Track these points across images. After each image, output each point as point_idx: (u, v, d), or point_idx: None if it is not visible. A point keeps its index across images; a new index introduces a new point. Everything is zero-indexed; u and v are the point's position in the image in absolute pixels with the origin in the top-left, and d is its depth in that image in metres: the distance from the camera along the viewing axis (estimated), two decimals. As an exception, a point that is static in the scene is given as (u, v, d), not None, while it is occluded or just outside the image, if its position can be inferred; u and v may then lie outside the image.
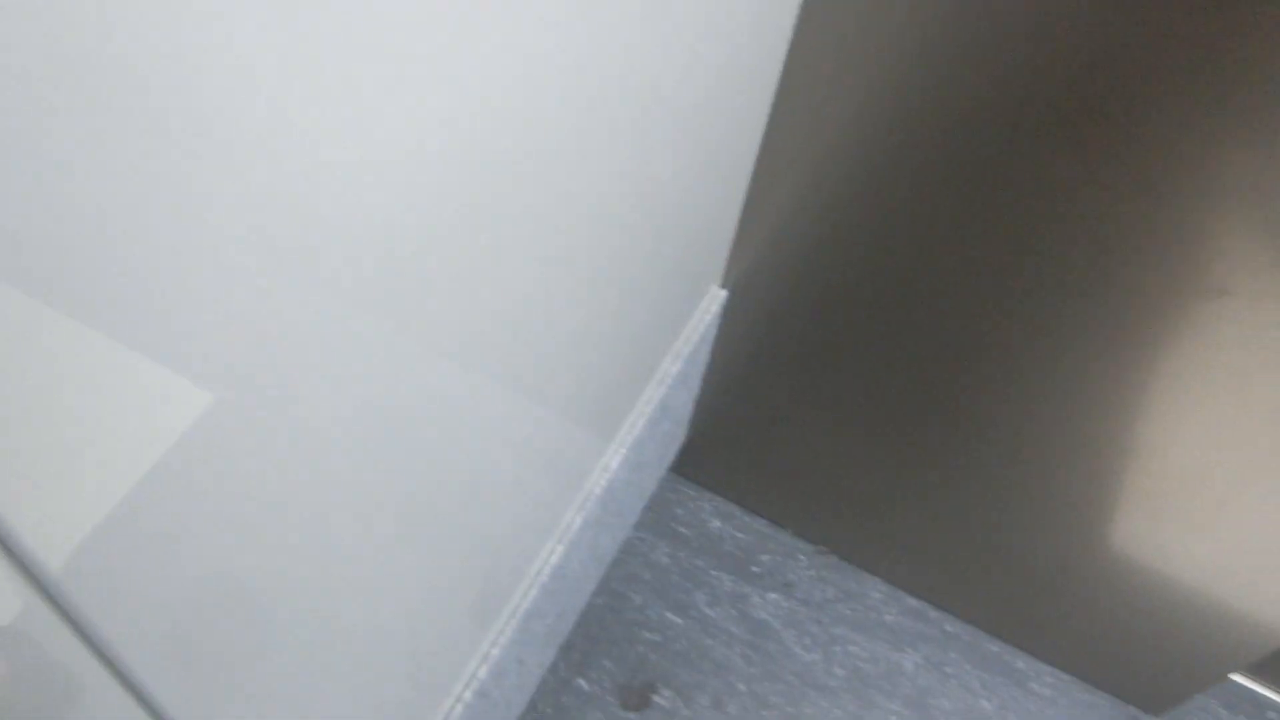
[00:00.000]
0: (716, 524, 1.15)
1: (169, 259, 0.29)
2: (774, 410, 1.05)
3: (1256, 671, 1.11)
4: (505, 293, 0.52)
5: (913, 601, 1.13)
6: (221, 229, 0.30)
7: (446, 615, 0.69)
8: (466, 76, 0.38)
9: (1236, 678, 1.11)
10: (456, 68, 0.37)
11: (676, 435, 1.08)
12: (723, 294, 0.94)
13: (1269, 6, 0.57)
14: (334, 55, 0.31)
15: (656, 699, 1.04)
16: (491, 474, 0.64)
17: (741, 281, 0.94)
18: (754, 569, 1.13)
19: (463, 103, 0.39)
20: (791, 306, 0.93)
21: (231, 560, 0.40)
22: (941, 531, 1.06)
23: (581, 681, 1.04)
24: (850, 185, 0.80)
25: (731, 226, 0.88)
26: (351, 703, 0.60)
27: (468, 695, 0.74)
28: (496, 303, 0.51)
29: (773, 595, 1.11)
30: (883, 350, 0.91)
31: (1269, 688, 1.11)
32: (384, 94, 0.34)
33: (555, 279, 0.58)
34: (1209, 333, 0.74)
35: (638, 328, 0.79)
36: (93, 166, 0.25)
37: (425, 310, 0.45)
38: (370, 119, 0.34)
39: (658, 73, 0.56)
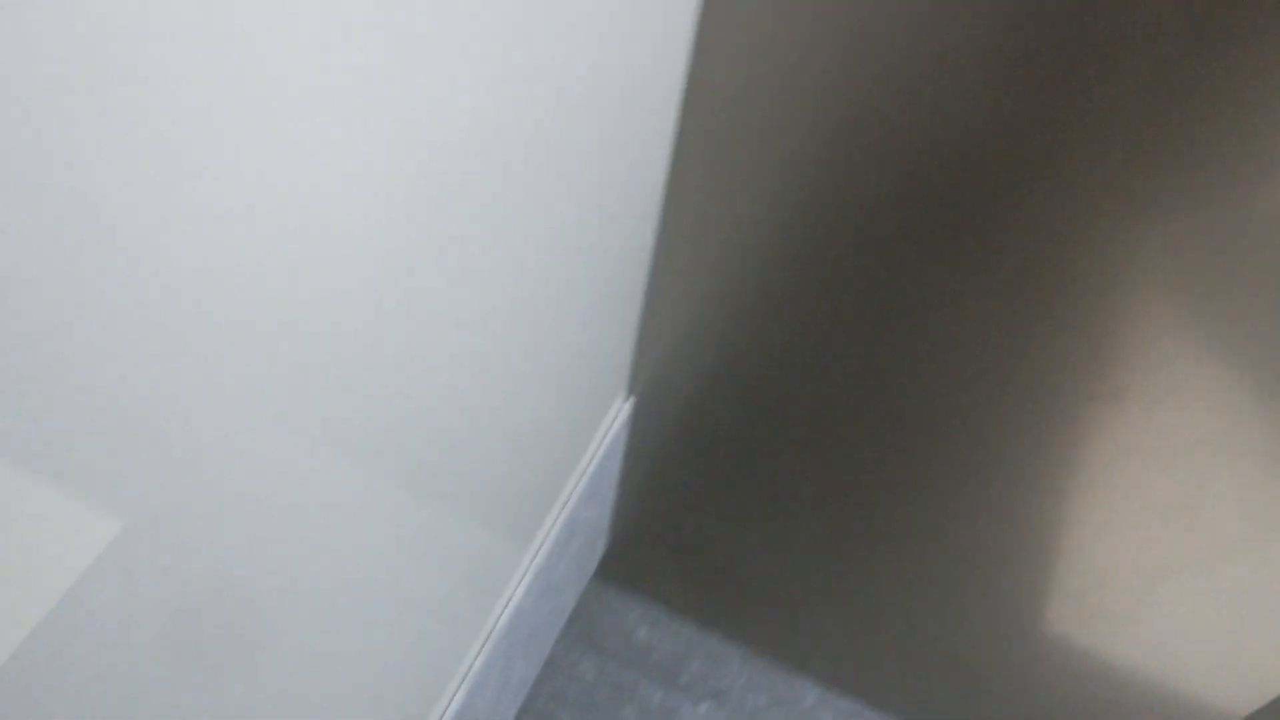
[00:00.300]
0: (644, 632, 1.11)
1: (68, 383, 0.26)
2: (694, 512, 1.02)
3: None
4: (395, 434, 0.49)
5: (846, 703, 1.09)
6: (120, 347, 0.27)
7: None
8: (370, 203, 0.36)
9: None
10: (356, 200, 0.35)
11: (595, 546, 1.05)
12: (629, 404, 0.92)
13: (1153, 107, 0.57)
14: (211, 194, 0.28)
15: (585, 828, 0.99)
16: (384, 621, 0.60)
17: (648, 388, 0.92)
18: (684, 679, 1.09)
19: (363, 221, 0.37)
20: (701, 409, 0.90)
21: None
22: (871, 628, 1.03)
23: (505, 814, 0.99)
24: (745, 287, 0.79)
25: (631, 337, 0.86)
26: None
27: None
28: (390, 439, 0.48)
29: (704, 707, 1.07)
30: (798, 448, 0.89)
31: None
32: (286, 212, 0.32)
33: (432, 419, 0.55)
34: (1106, 436, 0.73)
35: (536, 453, 0.76)
36: None
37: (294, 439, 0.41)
38: (272, 231, 0.32)
39: (540, 187, 0.53)
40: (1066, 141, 0.61)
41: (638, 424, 0.94)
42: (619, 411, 0.91)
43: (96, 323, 0.28)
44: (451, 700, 0.77)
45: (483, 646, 0.79)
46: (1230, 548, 0.77)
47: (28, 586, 0.29)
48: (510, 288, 0.58)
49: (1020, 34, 0.58)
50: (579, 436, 0.86)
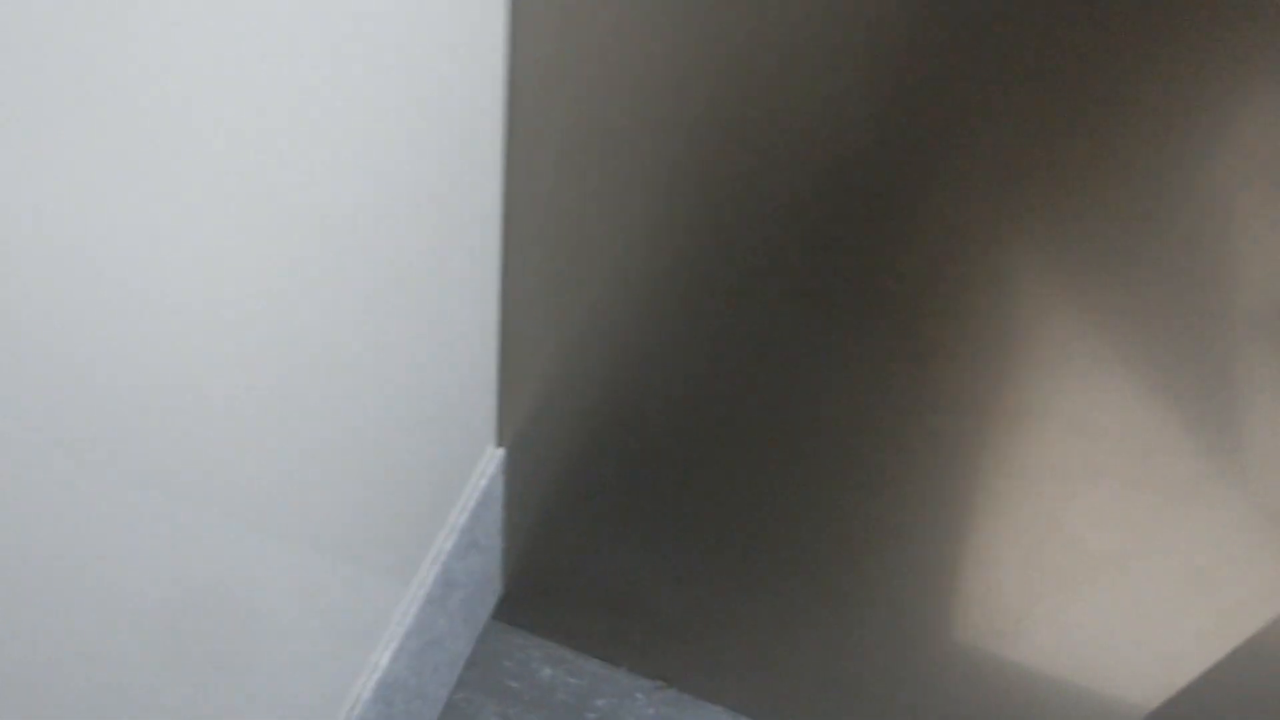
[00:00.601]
0: (548, 672, 1.10)
1: None
2: (587, 551, 1.00)
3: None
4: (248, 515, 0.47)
5: (756, 730, 1.09)
6: None
7: None
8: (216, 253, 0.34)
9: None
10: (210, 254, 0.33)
11: (485, 594, 1.03)
12: (499, 454, 0.90)
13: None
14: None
15: None
16: (240, 689, 0.59)
17: (519, 437, 0.90)
18: (590, 716, 1.07)
19: (220, 274, 0.35)
20: (577, 452, 0.89)
21: None
22: (778, 651, 1.02)
23: None
24: (602, 331, 0.77)
25: (492, 390, 0.84)
26: None
27: None
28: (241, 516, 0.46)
29: (610, 744, 1.06)
30: (681, 482, 0.88)
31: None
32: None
33: (289, 483, 0.52)
34: (983, 459, 0.73)
35: (399, 513, 0.75)
36: None
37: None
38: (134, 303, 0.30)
39: (376, 254, 0.52)
40: (944, 170, 0.60)
41: (513, 472, 0.93)
42: (489, 462, 0.89)
43: None
44: (318, 779, 0.75)
45: (353, 709, 0.78)
46: (1100, 563, 0.77)
47: None
48: (357, 350, 0.57)
49: (890, 60, 0.57)
50: (445, 492, 0.84)
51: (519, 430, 0.89)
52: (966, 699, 0.98)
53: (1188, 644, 0.82)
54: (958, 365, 0.68)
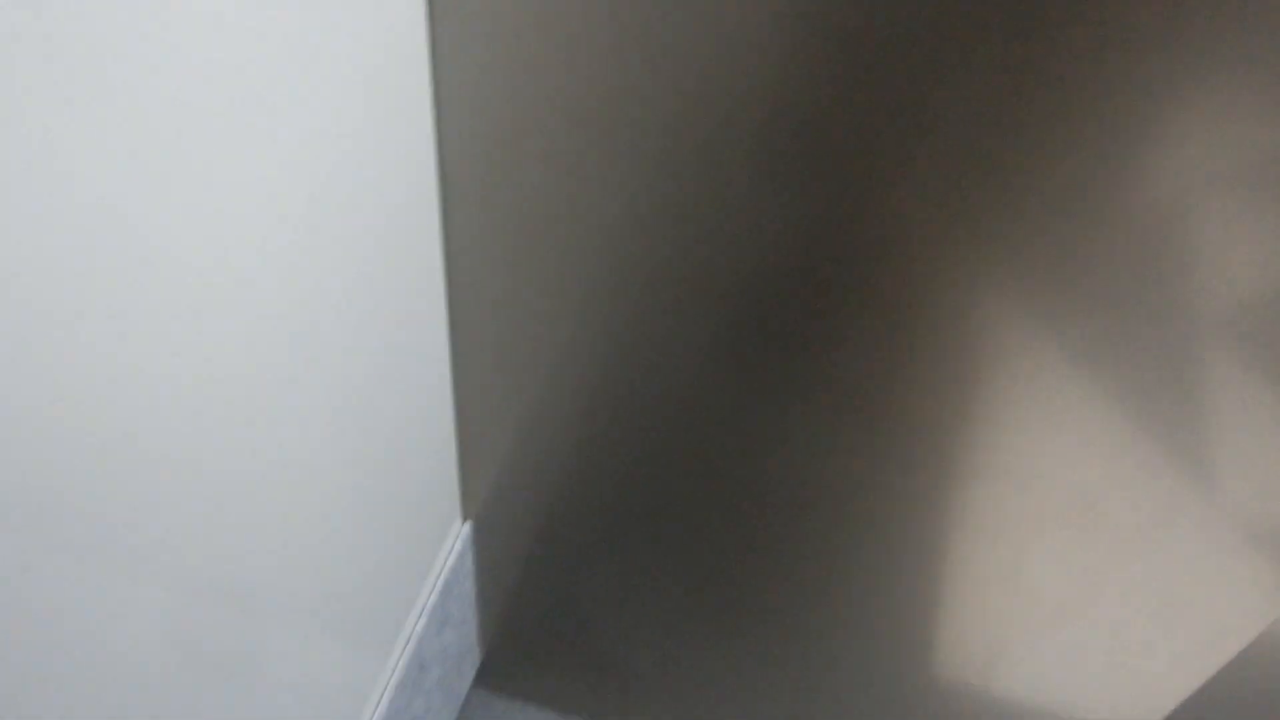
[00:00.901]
0: (533, 736, 1.10)
1: None
2: (559, 611, 1.00)
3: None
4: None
5: (743, 784, 1.08)
6: None
7: None
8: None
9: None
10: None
11: (464, 666, 1.03)
12: (466, 528, 0.90)
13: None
14: None
15: None
16: None
17: (485, 510, 0.90)
18: (577, 779, 1.07)
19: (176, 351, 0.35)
20: (544, 520, 0.89)
21: None
22: (752, 697, 1.02)
23: None
24: (554, 404, 0.78)
25: (452, 467, 0.85)
26: None
27: None
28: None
29: (598, 808, 1.06)
30: (649, 543, 0.88)
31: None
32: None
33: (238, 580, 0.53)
34: (943, 514, 0.73)
35: (367, 600, 0.75)
36: None
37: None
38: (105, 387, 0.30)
39: (326, 341, 0.52)
40: (890, 230, 0.61)
41: (482, 543, 0.93)
42: (456, 538, 0.89)
43: None
44: None
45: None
46: (1055, 611, 0.77)
47: None
48: (314, 436, 0.58)
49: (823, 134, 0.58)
50: (413, 573, 0.84)
51: (484, 502, 0.89)
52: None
53: (1165, 673, 0.83)
54: (910, 427, 0.69)
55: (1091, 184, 0.54)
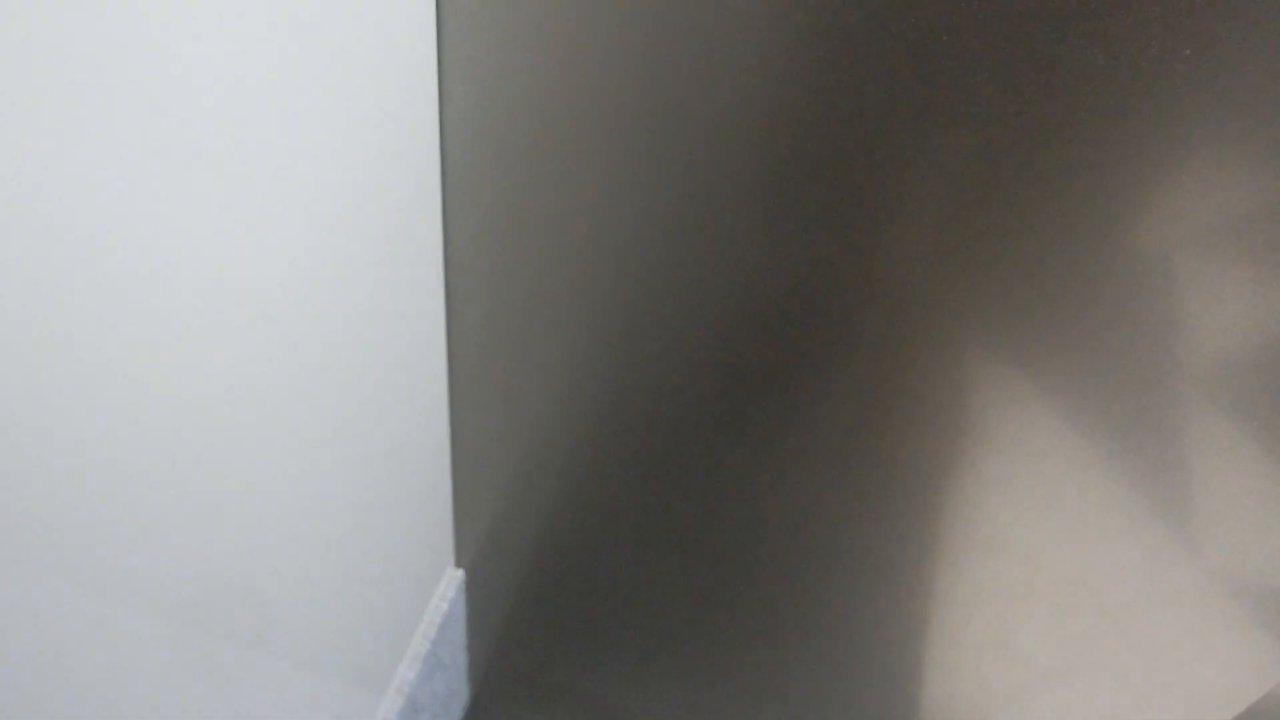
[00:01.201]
0: (520, 778, 1.09)
1: None
2: (548, 654, 1.01)
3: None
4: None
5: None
6: None
7: None
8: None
9: None
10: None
11: (453, 704, 1.03)
12: (459, 575, 0.90)
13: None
14: None
15: None
16: None
17: (477, 558, 0.90)
18: (563, 823, 1.07)
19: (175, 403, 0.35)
20: (534, 568, 0.89)
21: None
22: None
23: None
24: (546, 456, 0.78)
25: (447, 517, 0.85)
26: None
27: None
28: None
29: None
30: (636, 579, 0.89)
31: None
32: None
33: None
34: (925, 585, 0.73)
35: (359, 645, 0.75)
36: None
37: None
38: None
39: (327, 381, 0.53)
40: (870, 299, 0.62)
41: (474, 589, 0.93)
42: (449, 585, 0.90)
43: None
44: None
45: None
46: (1044, 678, 0.78)
47: None
48: (312, 482, 0.58)
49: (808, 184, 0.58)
50: (406, 619, 0.84)
51: (477, 549, 0.90)
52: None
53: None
54: (901, 496, 0.69)
55: (1080, 239, 0.54)
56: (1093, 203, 0.52)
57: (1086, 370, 0.59)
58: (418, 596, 0.85)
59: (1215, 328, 0.55)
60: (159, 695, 0.51)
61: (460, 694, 1.04)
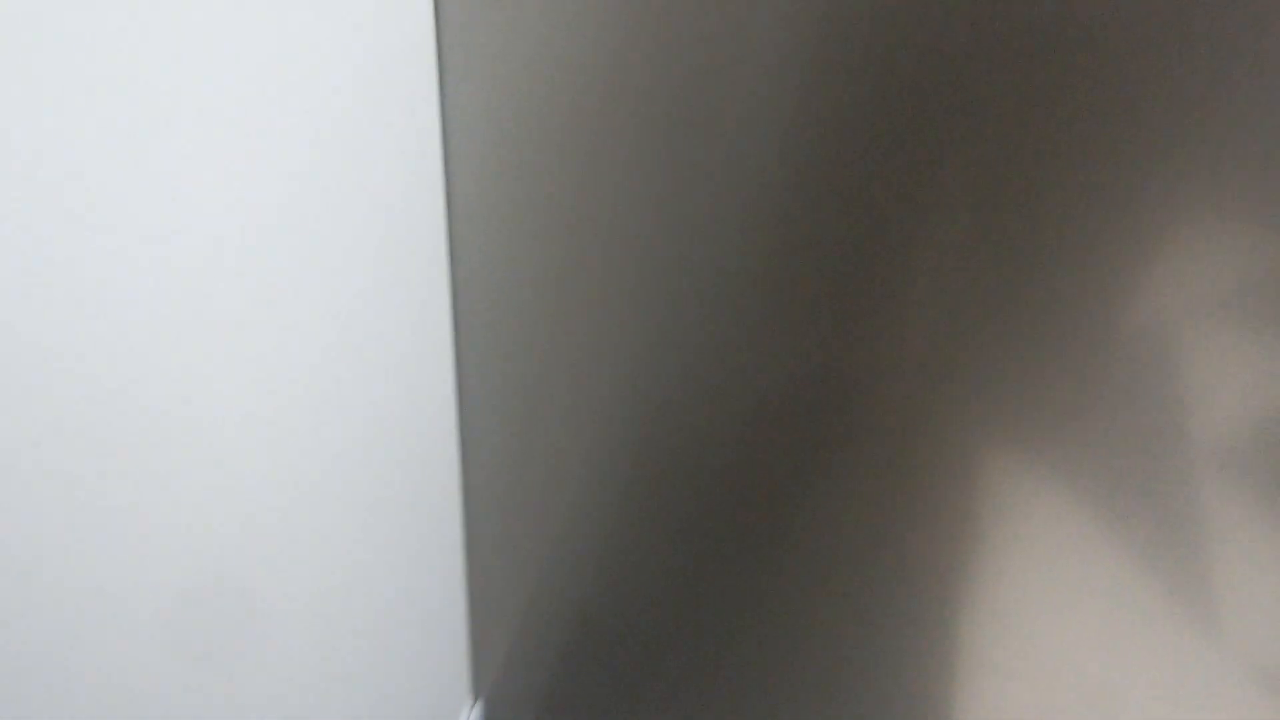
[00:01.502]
0: None
1: None
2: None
3: None
4: None
5: None
6: None
7: None
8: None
9: None
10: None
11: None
12: (477, 706, 0.89)
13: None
14: None
15: None
16: None
17: (495, 685, 0.89)
18: None
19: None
20: (555, 689, 0.88)
21: None
22: None
23: None
24: (563, 590, 0.77)
25: (463, 641, 0.84)
26: None
27: None
28: None
29: None
30: (656, 704, 0.87)
31: None
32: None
33: None
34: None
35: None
36: None
37: None
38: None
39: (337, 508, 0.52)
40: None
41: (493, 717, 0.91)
42: (469, 716, 0.88)
43: None
44: None
45: None
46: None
47: None
48: (324, 617, 0.57)
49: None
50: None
51: (494, 680, 0.88)
52: None
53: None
54: (911, 620, 0.68)
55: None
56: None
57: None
58: (436, 733, 0.84)
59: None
60: None
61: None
